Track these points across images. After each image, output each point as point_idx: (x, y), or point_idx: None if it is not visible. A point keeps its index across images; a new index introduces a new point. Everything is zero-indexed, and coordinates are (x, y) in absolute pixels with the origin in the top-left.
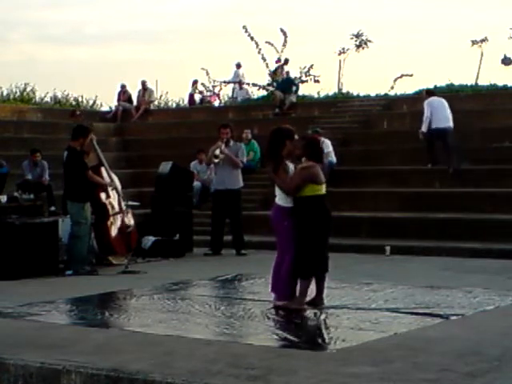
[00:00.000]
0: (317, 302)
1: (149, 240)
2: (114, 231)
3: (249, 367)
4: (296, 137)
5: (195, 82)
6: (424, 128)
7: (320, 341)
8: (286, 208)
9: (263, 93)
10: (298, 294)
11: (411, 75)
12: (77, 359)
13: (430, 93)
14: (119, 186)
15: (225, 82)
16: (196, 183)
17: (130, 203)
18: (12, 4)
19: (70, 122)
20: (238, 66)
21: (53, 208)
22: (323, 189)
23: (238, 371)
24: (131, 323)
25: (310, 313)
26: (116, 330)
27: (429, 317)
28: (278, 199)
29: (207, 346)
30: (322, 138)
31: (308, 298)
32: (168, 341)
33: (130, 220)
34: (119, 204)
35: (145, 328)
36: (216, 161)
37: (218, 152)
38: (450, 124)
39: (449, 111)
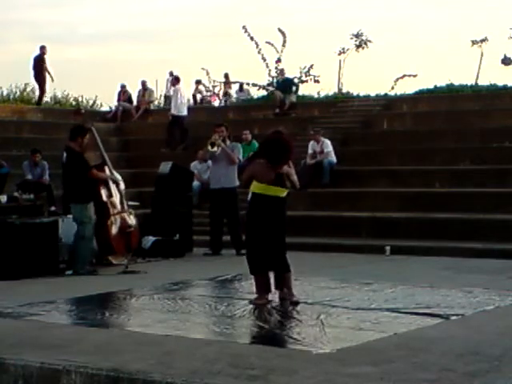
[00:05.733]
0: (284, 297)
1: (149, 240)
2: (113, 231)
3: (249, 367)
4: None
5: (198, 82)
6: (174, 111)
7: (320, 341)
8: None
9: (263, 93)
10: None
11: (415, 76)
12: (77, 359)
13: (178, 80)
14: (123, 186)
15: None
16: (195, 183)
17: (130, 203)
18: (10, 4)
19: (71, 121)
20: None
21: (53, 208)
22: (273, 190)
23: (237, 371)
24: (131, 323)
25: (309, 312)
26: (116, 329)
27: (429, 317)
28: None
29: (207, 346)
30: (322, 138)
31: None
32: (168, 341)
33: (132, 220)
34: (121, 203)
35: (145, 328)
36: (214, 149)
37: (213, 139)
38: (185, 112)
39: (186, 99)
